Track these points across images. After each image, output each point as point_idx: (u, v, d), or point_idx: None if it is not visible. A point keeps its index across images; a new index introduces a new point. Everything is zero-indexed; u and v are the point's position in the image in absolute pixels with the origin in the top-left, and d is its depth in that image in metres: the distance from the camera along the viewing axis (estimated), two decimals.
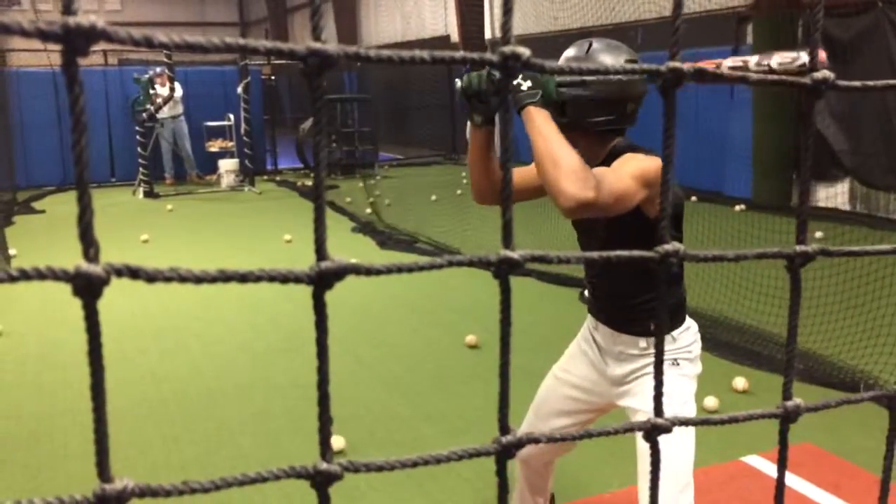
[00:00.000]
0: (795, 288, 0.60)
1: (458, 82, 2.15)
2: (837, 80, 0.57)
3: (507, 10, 0.50)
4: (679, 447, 2.16)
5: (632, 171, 2.01)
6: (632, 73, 0.54)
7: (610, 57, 2.15)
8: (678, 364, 2.26)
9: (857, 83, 0.60)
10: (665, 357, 2.36)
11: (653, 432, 0.56)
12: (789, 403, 0.59)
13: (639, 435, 2.22)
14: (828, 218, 8.25)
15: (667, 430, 0.57)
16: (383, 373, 4.74)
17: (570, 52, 2.22)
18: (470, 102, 2.14)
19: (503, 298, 0.54)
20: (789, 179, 9.53)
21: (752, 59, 1.86)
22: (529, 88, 2.00)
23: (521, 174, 2.31)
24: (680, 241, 2.24)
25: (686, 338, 2.28)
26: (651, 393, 2.32)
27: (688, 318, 2.33)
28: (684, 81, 0.52)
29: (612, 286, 2.33)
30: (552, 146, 1.91)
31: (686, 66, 0.52)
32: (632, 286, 2.27)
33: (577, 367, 2.46)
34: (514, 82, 2.00)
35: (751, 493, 3.28)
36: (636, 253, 0.57)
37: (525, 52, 0.50)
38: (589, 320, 2.44)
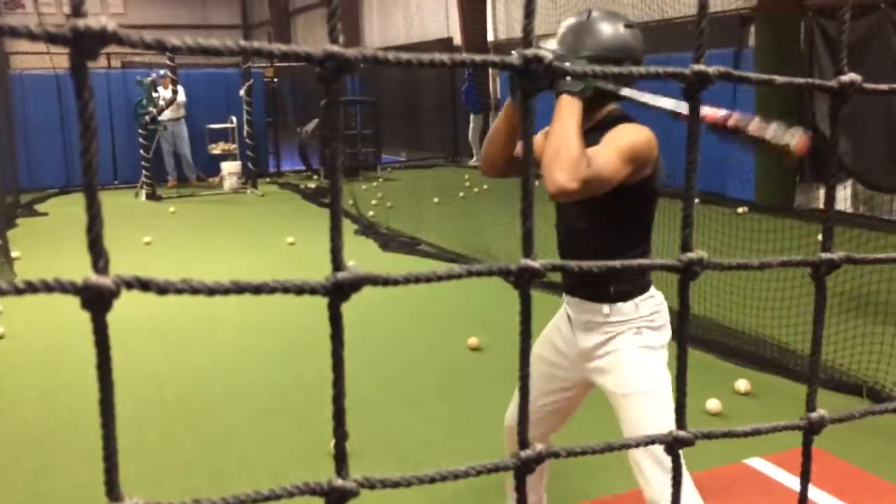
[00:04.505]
0: (820, 297, 0.58)
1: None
2: (864, 84, 0.56)
3: (529, 12, 0.48)
4: (657, 418, 2.20)
5: (620, 149, 2.10)
6: (657, 76, 0.53)
7: (609, 25, 2.25)
8: (641, 333, 2.28)
9: (883, 86, 0.58)
10: (627, 326, 2.36)
11: (675, 445, 0.55)
12: (813, 415, 0.58)
13: (616, 401, 2.24)
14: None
15: (689, 443, 0.56)
16: (386, 375, 4.72)
17: (570, 20, 2.31)
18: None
19: (523, 309, 0.53)
20: (792, 181, 9.51)
21: (754, 121, 1.96)
22: (573, 79, 2.08)
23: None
24: (649, 214, 2.33)
25: (648, 306, 2.29)
26: (622, 371, 2.31)
27: (652, 287, 2.34)
28: (709, 84, 0.51)
29: (580, 252, 2.37)
30: (566, 135, 2.01)
31: (712, 69, 0.51)
32: (597, 251, 2.29)
33: (548, 342, 2.50)
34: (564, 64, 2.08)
35: (754, 495, 3.26)
36: (659, 261, 0.55)
37: (548, 54, 0.49)
38: (564, 295, 2.49)
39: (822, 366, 4.25)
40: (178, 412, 4.24)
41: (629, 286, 2.28)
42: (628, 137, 2.14)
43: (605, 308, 2.30)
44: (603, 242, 2.32)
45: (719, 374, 4.44)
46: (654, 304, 2.31)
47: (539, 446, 0.53)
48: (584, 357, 2.37)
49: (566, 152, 1.99)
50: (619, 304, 2.28)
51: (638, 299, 2.29)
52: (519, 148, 2.34)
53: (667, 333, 2.33)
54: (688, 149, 0.54)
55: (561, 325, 2.49)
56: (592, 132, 2.21)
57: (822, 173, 9.17)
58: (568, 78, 2.03)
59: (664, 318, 2.33)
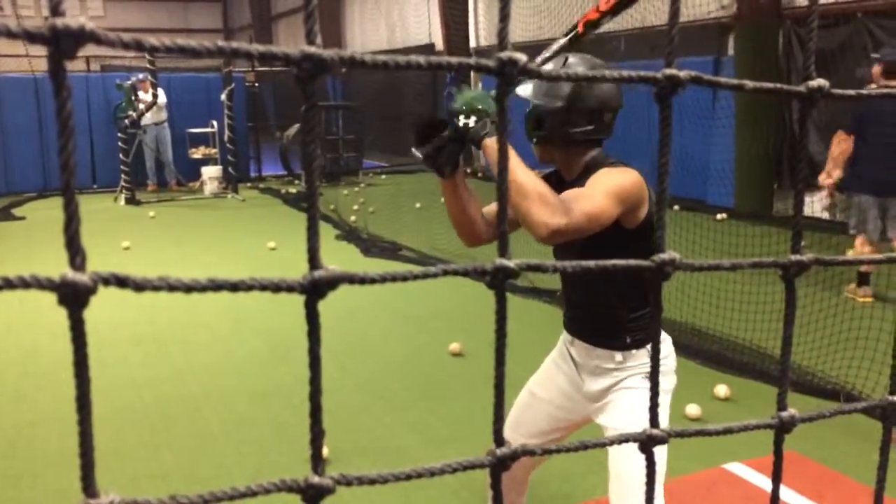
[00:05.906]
0: (791, 298, 0.60)
1: (415, 150, 2.09)
2: (832, 89, 0.57)
3: (504, 16, 0.49)
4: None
5: (606, 189, 2.03)
6: (629, 80, 0.54)
7: (585, 71, 2.19)
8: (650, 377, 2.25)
9: (850, 91, 0.60)
10: (638, 371, 2.30)
11: (649, 443, 0.56)
12: (784, 414, 0.59)
13: (611, 452, 2.22)
14: (806, 226, 8.28)
15: (662, 441, 0.57)
16: (367, 380, 4.71)
17: (546, 67, 2.25)
18: (436, 159, 2.10)
19: (498, 308, 0.54)
20: (770, 188, 9.61)
21: None
22: (476, 122, 2.01)
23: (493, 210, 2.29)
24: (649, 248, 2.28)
25: (660, 351, 2.27)
26: (626, 410, 2.26)
27: (662, 331, 2.33)
28: (680, 89, 0.52)
29: (592, 301, 2.32)
30: (516, 177, 1.90)
31: (682, 73, 0.52)
32: (611, 301, 2.27)
33: (552, 383, 2.45)
34: (459, 123, 2.01)
35: (733, 500, 3.28)
36: (634, 262, 0.56)
37: (522, 57, 0.50)
38: (564, 335, 2.43)
39: (800, 371, 4.29)
40: (156, 418, 4.21)
41: (643, 334, 2.26)
42: (614, 179, 2.06)
43: (619, 356, 2.26)
44: (610, 289, 2.27)
45: (699, 380, 4.47)
46: (665, 348, 2.29)
47: (515, 444, 0.54)
48: (592, 398, 2.35)
49: (533, 191, 1.89)
50: (633, 351, 2.26)
51: (651, 346, 2.27)
52: (487, 209, 2.28)
53: (673, 379, 2.33)
54: (660, 152, 0.55)
55: (562, 364, 2.44)
56: (577, 180, 2.16)
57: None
58: (472, 125, 1.98)
59: (672, 363, 2.33)
